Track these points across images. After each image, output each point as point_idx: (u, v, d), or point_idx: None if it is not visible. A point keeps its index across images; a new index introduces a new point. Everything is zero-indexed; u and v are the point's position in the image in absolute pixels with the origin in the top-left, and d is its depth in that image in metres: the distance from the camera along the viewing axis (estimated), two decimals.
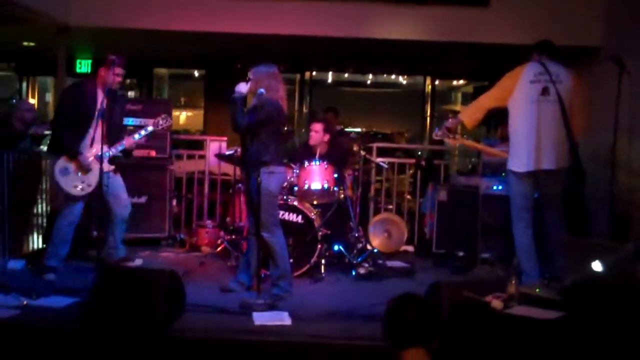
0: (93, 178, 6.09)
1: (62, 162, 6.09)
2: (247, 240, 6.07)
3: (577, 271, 4.45)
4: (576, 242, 4.95)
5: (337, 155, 7.31)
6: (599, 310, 4.15)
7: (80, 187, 6.10)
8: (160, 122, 6.37)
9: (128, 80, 13.05)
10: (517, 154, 6.03)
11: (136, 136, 6.28)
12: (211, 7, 8.47)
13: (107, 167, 6.08)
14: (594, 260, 4.36)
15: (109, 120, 6.07)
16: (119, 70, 6.15)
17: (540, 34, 7.92)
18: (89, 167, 6.09)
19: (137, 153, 7.67)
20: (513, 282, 4.54)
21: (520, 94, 6.02)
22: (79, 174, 6.09)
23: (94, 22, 8.36)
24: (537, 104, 5.96)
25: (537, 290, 4.66)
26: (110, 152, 6.14)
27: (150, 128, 6.35)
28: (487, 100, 6.24)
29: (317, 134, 7.34)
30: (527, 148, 5.95)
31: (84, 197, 6.17)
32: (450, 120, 6.47)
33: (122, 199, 6.38)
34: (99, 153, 5.89)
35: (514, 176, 6.08)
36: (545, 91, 5.97)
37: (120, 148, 6.20)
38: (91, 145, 6.09)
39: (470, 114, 6.33)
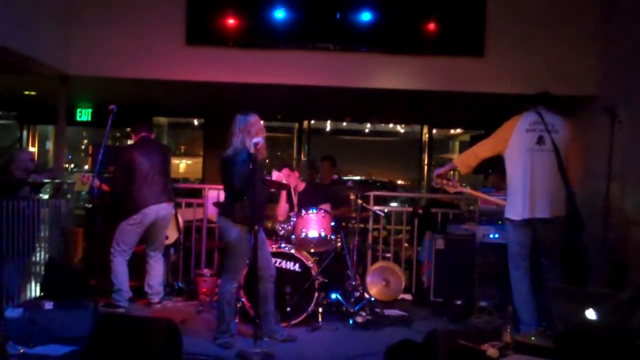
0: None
1: None
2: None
3: (572, 319, 4.46)
4: (571, 290, 4.96)
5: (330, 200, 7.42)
6: (594, 358, 4.15)
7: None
8: None
9: (127, 129, 13.16)
10: (513, 202, 6.05)
11: None
12: (210, 57, 8.61)
13: None
14: (589, 308, 4.37)
15: None
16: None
17: (534, 84, 8.09)
18: None
19: None
20: (509, 330, 4.54)
21: (516, 142, 6.04)
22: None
23: (94, 72, 8.49)
24: (532, 152, 5.98)
25: (532, 338, 4.65)
26: None
27: None
28: (482, 150, 6.28)
29: (289, 177, 7.28)
30: (522, 196, 5.96)
31: None
32: (441, 167, 6.52)
33: None
34: None
35: (510, 224, 6.08)
36: (540, 140, 5.99)
37: None
38: None
39: (464, 160, 6.38)
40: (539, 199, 5.94)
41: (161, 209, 6.99)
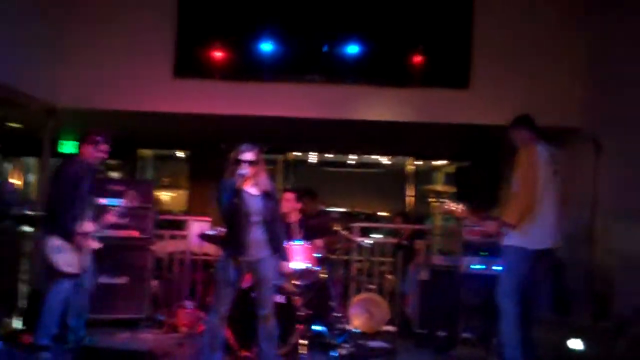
0: (86, 258, 6.15)
1: (56, 241, 6.08)
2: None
3: (558, 349, 4.45)
4: (555, 320, 4.96)
5: (313, 232, 7.39)
6: None
7: (74, 266, 6.07)
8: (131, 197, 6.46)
9: (113, 161, 13.15)
10: (528, 232, 5.93)
11: (115, 213, 6.37)
12: (197, 89, 8.63)
13: (95, 245, 6.15)
14: (574, 338, 4.37)
15: (91, 197, 6.18)
16: (104, 147, 6.26)
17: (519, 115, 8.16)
18: (84, 247, 6.11)
19: (119, 233, 7.68)
20: None
21: (539, 174, 6.02)
22: (74, 253, 6.07)
23: (81, 104, 8.47)
24: (548, 185, 6.00)
25: None
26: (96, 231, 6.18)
27: (127, 203, 6.43)
28: (530, 198, 5.97)
29: (289, 202, 7.47)
30: (540, 227, 5.93)
31: (75, 276, 6.14)
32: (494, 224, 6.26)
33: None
34: (88, 232, 6.01)
35: (521, 254, 5.95)
36: (555, 173, 6.06)
37: (105, 226, 6.29)
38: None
39: (519, 216, 6.01)
40: (553, 229, 6.00)
41: None
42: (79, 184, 6.17)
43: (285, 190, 8.30)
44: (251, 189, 5.73)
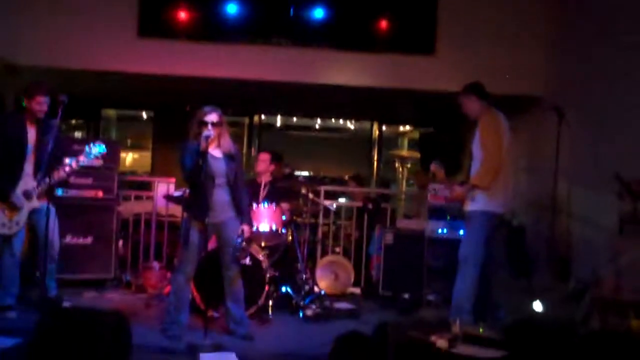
0: (22, 216, 5.98)
1: None
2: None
3: (519, 310, 4.56)
4: (518, 283, 5.07)
5: (280, 195, 7.43)
6: (540, 349, 4.25)
7: (8, 225, 5.96)
8: (89, 150, 6.06)
9: (74, 121, 12.98)
10: (494, 197, 6.06)
11: (66, 168, 6.01)
12: (160, 49, 8.54)
13: (35, 203, 5.98)
14: (536, 300, 4.48)
15: (40, 153, 5.96)
16: (40, 99, 5.96)
17: (483, 82, 8.22)
18: (17, 206, 5.95)
19: (84, 194, 7.63)
20: (457, 322, 4.62)
21: (503, 140, 6.14)
22: (6, 212, 5.95)
23: (43, 62, 8.31)
24: (507, 151, 6.16)
25: (481, 330, 4.74)
26: (37, 187, 5.98)
27: (82, 159, 6.05)
28: (499, 162, 6.09)
29: (264, 162, 7.60)
30: (503, 191, 6.09)
31: (19, 234, 6.05)
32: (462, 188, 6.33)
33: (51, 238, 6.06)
34: (27, 189, 5.87)
35: (487, 218, 6.09)
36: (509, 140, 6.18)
37: (46, 181, 5.97)
38: (21, 181, 5.98)
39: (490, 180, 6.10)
40: (509, 194, 6.17)
41: None
42: (7, 139, 6.01)
43: (261, 151, 8.32)
44: (215, 151, 5.72)
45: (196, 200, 5.64)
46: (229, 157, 5.77)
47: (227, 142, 5.80)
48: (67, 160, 6.02)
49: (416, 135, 13.92)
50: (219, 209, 5.72)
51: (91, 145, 6.08)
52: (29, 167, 5.99)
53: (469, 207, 6.15)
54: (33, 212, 6.07)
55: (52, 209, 6.08)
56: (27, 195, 5.95)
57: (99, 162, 6.26)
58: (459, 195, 6.28)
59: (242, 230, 5.85)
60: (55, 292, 6.39)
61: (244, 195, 5.93)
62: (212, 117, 5.62)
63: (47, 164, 5.95)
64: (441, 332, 4.60)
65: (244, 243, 5.81)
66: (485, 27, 8.61)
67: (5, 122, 6.21)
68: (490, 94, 6.36)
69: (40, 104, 5.99)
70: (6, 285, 6.08)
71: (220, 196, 5.74)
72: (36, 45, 8.25)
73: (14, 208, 5.96)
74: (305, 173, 13.47)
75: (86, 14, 8.38)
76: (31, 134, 6.04)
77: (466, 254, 6.07)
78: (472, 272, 6.01)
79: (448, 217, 7.48)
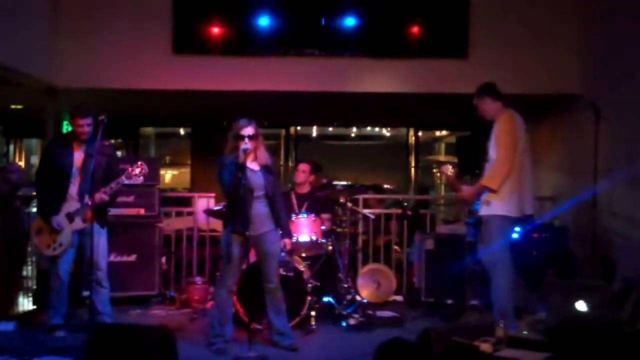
0: (65, 238, 6.04)
1: (37, 222, 6.12)
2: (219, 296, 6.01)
3: (564, 312, 4.52)
4: (561, 283, 5.03)
5: (320, 205, 7.44)
6: (586, 351, 4.21)
7: (52, 247, 6.05)
8: (135, 172, 6.04)
9: (113, 140, 13.16)
10: (511, 200, 5.96)
11: (107, 190, 6.01)
12: (195, 65, 8.63)
13: (79, 224, 6.04)
14: (580, 300, 4.44)
15: (83, 175, 6.04)
16: (79, 121, 6.01)
17: (519, 83, 8.18)
18: (59, 227, 6.02)
19: (126, 212, 7.73)
20: (502, 325, 4.60)
21: (517, 141, 6.05)
22: (50, 234, 6.04)
23: (82, 83, 8.45)
24: (527, 152, 6.08)
25: (525, 332, 4.72)
26: (80, 209, 6.02)
27: (123, 179, 6.04)
28: (511, 163, 5.98)
29: (304, 173, 7.63)
30: (518, 195, 5.98)
31: (64, 255, 6.09)
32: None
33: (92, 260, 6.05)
34: (70, 211, 5.95)
35: (506, 221, 6.01)
36: (526, 140, 6.10)
37: (88, 203, 5.97)
38: (66, 203, 6.05)
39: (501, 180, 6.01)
40: (527, 197, 6.05)
41: None
42: (53, 161, 6.11)
43: (299, 161, 8.32)
44: (252, 164, 5.77)
45: (236, 213, 5.68)
46: (266, 169, 5.81)
47: (263, 154, 5.85)
48: (112, 185, 6.05)
49: (453, 139, 13.87)
50: (259, 221, 5.76)
51: (133, 167, 6.11)
52: (73, 189, 6.06)
53: (483, 212, 6.07)
54: (80, 234, 6.14)
55: (102, 231, 6.18)
56: (70, 217, 6.04)
57: (140, 180, 6.30)
58: (466, 195, 6.29)
59: (285, 245, 5.89)
60: (110, 320, 6.25)
61: (282, 208, 5.97)
62: (248, 130, 5.67)
63: (91, 186, 6.01)
64: (485, 337, 4.60)
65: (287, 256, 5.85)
66: (518, 27, 8.55)
67: (52, 146, 6.33)
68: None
69: (81, 126, 6.04)
70: (55, 306, 6.15)
71: (260, 209, 5.78)
72: (74, 67, 8.39)
73: (55, 230, 6.05)
74: (343, 182, 13.50)
75: (122, 34, 8.51)
76: (77, 156, 6.12)
77: (494, 261, 5.99)
78: (505, 275, 5.97)
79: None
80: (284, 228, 5.96)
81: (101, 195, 6.00)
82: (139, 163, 6.14)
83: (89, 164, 6.03)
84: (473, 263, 7.09)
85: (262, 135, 5.91)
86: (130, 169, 6.08)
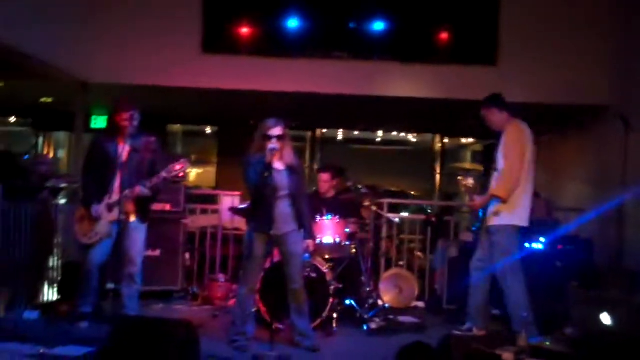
0: (102, 227, 6.09)
1: (80, 211, 6.20)
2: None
3: (587, 323, 4.50)
4: (586, 295, 5.00)
5: (345, 209, 7.44)
6: None
7: (88, 235, 6.12)
8: (176, 168, 6.04)
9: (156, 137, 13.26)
10: (521, 211, 6.04)
11: (147, 183, 6.03)
12: (223, 64, 8.72)
13: (115, 215, 6.06)
14: (604, 312, 4.41)
15: (126, 168, 6.09)
16: (123, 115, 6.05)
17: (547, 92, 8.15)
18: (98, 216, 6.06)
19: (153, 207, 7.77)
20: (523, 335, 4.59)
21: (526, 151, 6.10)
22: (90, 223, 6.11)
23: (112, 79, 8.57)
24: (533, 164, 6.13)
25: (548, 343, 4.70)
26: (119, 201, 6.03)
27: (163, 174, 6.04)
28: (519, 173, 6.04)
29: (326, 183, 7.62)
30: (527, 205, 6.06)
31: (99, 245, 6.12)
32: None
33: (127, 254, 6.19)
34: (110, 202, 6.02)
35: (516, 232, 6.09)
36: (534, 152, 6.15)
37: (127, 195, 6.02)
38: (109, 195, 6.11)
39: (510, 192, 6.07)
40: (529, 208, 6.11)
41: None
42: (97, 154, 6.19)
43: (319, 170, 8.31)
44: (277, 164, 5.78)
45: (260, 212, 5.71)
46: (291, 169, 5.83)
47: (289, 154, 5.87)
48: (152, 179, 6.07)
49: (479, 147, 13.82)
50: (282, 221, 5.78)
51: (174, 163, 6.12)
52: (116, 182, 6.11)
53: (493, 222, 6.10)
54: (120, 227, 6.15)
55: (141, 227, 6.26)
56: (109, 207, 6.09)
57: (181, 177, 6.34)
58: (477, 205, 6.27)
59: (307, 246, 5.91)
60: (135, 313, 6.28)
61: (306, 209, 5.97)
62: (276, 131, 5.70)
63: (134, 180, 6.06)
64: (507, 346, 4.59)
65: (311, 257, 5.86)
66: (547, 36, 8.54)
67: (99, 139, 6.38)
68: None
69: (124, 119, 6.08)
70: (84, 294, 6.20)
71: (283, 208, 5.80)
72: (105, 63, 8.51)
73: (94, 220, 6.10)
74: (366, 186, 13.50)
75: (152, 32, 8.62)
76: (121, 149, 6.15)
77: (504, 271, 6.03)
78: (518, 283, 6.00)
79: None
80: (307, 229, 5.96)
81: (141, 189, 6.03)
82: (182, 160, 6.16)
83: (133, 158, 6.11)
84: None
85: (289, 136, 5.93)
86: (171, 164, 6.09)
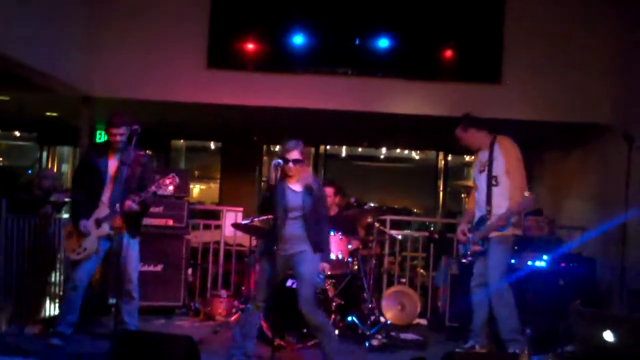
0: (90, 243, 6.04)
1: (69, 227, 6.18)
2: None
3: (590, 341, 4.48)
4: (588, 313, 4.98)
5: (347, 225, 7.43)
6: None
7: (76, 251, 6.07)
8: (165, 182, 6.05)
9: (146, 151, 13.28)
10: (519, 220, 6.22)
11: (136, 198, 6.00)
12: (228, 80, 8.71)
13: (105, 231, 6.05)
14: (607, 330, 4.40)
15: (116, 183, 6.07)
16: (113, 130, 6.06)
17: (551, 110, 8.16)
18: (85, 230, 6.02)
19: (155, 222, 7.79)
20: (526, 352, 4.57)
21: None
22: (78, 238, 6.06)
23: (117, 94, 8.57)
24: None
25: None
26: (108, 216, 6.03)
27: (152, 188, 6.05)
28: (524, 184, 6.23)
29: (330, 197, 7.52)
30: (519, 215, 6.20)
31: (86, 261, 6.09)
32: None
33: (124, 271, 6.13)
34: (99, 217, 5.99)
35: (512, 240, 6.23)
36: None
37: (116, 210, 5.99)
38: (98, 209, 6.09)
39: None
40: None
41: None
42: (87, 169, 6.19)
43: (324, 182, 8.30)
44: (295, 185, 5.68)
45: (270, 232, 5.69)
46: (308, 191, 5.70)
47: (308, 176, 5.77)
48: (141, 194, 6.05)
49: None
50: (292, 241, 5.66)
51: (164, 177, 6.12)
52: (106, 196, 6.10)
53: (495, 233, 6.16)
54: (110, 243, 6.15)
55: (133, 242, 6.21)
56: (98, 223, 6.08)
57: (170, 191, 6.31)
58: (499, 224, 6.18)
59: (323, 269, 5.87)
60: (135, 329, 6.26)
61: (322, 231, 5.81)
62: (294, 155, 5.61)
63: (123, 194, 6.03)
64: None
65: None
66: (552, 54, 8.54)
67: (89, 153, 6.39)
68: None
69: (114, 135, 6.09)
70: (64, 313, 6.15)
71: (294, 229, 5.66)
72: (110, 77, 8.51)
73: (83, 235, 6.06)
74: (371, 204, 13.50)
75: (156, 46, 8.62)
76: (111, 164, 6.17)
77: (497, 284, 6.11)
78: (507, 293, 6.09)
79: (515, 247, 7.38)
80: (324, 251, 5.82)
81: (130, 203, 6.00)
82: (171, 174, 6.16)
83: (122, 172, 6.07)
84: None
85: (310, 156, 5.86)
86: (161, 179, 6.10)
